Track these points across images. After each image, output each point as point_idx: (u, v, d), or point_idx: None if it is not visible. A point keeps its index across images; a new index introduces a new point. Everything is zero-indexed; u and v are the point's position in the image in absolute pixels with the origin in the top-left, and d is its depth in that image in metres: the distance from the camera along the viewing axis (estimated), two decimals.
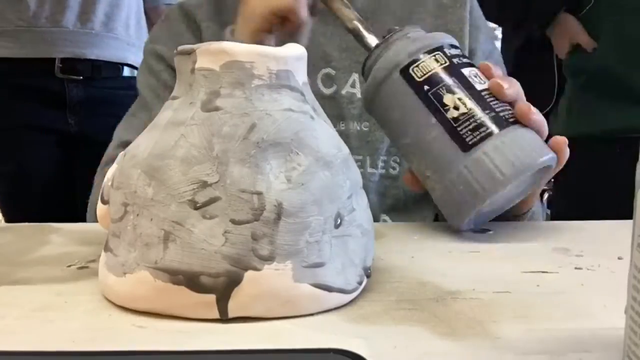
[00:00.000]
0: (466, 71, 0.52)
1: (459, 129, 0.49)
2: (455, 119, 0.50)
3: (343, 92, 0.70)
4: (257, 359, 0.30)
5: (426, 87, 0.51)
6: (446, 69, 0.52)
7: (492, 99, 0.51)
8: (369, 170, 0.69)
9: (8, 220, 1.28)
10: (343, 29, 0.71)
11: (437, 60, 0.52)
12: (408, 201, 0.70)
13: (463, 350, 0.30)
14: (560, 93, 1.23)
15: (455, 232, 0.54)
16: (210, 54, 0.37)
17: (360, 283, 0.37)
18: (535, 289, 0.39)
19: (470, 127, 0.49)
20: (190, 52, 0.38)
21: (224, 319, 0.34)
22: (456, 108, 0.50)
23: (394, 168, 0.70)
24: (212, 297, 0.33)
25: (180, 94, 0.39)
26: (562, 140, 0.52)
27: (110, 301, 0.37)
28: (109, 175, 0.40)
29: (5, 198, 1.28)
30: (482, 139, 0.49)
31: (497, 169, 0.48)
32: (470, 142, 0.49)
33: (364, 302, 0.37)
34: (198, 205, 0.34)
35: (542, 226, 0.57)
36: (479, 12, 0.78)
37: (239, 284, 0.33)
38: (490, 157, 0.48)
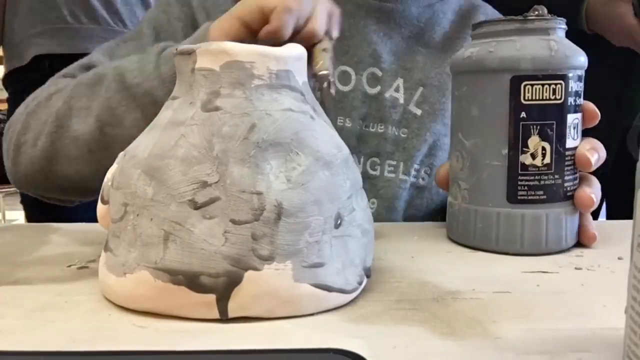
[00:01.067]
0: (571, 119, 0.46)
1: (520, 178, 0.46)
2: (524, 167, 0.46)
3: (387, 94, 0.69)
4: (257, 359, 0.30)
5: (523, 115, 0.45)
6: (557, 107, 0.46)
7: (570, 163, 0.47)
8: (401, 176, 0.68)
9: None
10: (397, 33, 0.70)
11: (555, 91, 0.45)
12: (427, 214, 0.70)
13: (463, 350, 0.30)
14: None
15: None
16: (211, 54, 0.37)
17: (360, 283, 0.37)
18: (535, 289, 0.39)
19: (531, 183, 0.46)
20: (190, 52, 0.38)
21: (224, 319, 0.34)
22: (533, 156, 0.46)
23: (423, 179, 0.69)
24: (212, 297, 0.33)
25: (180, 94, 0.39)
26: (593, 237, 0.49)
27: (110, 301, 0.37)
28: (109, 175, 0.40)
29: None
30: (532, 202, 0.46)
31: (521, 238, 0.47)
32: (519, 197, 0.46)
33: (364, 302, 0.37)
34: (198, 205, 0.34)
35: None
36: None
37: (239, 284, 0.33)
38: (524, 224, 0.47)
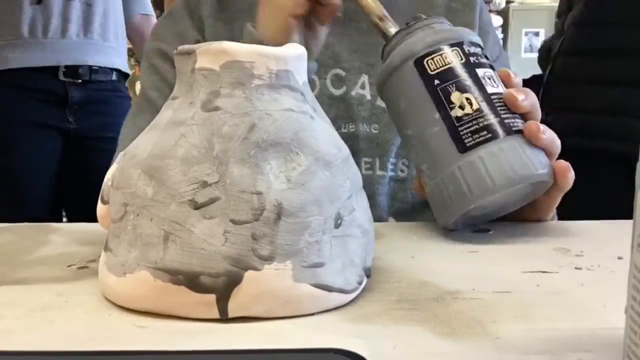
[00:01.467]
0: (481, 72, 0.51)
1: (460, 128, 0.49)
2: (459, 118, 0.49)
3: (353, 93, 0.70)
4: (257, 359, 0.30)
5: (436, 82, 0.50)
6: (461, 66, 0.51)
7: (501, 105, 0.50)
8: (378, 172, 0.69)
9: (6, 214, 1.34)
10: (353, 30, 0.70)
11: (454, 56, 0.51)
12: (415, 205, 0.70)
13: (463, 350, 0.30)
14: None
15: (455, 232, 0.54)
16: (210, 54, 0.37)
17: (360, 283, 0.37)
18: (535, 289, 0.39)
19: (472, 128, 0.49)
20: (190, 52, 0.38)
21: (223, 318, 0.34)
22: (461, 107, 0.49)
23: (402, 171, 0.70)
24: (212, 297, 0.33)
25: (180, 94, 0.39)
26: (565, 166, 0.51)
27: (110, 301, 0.37)
28: (109, 175, 0.40)
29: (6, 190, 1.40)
30: (481, 143, 0.48)
31: (489, 175, 0.48)
32: (468, 144, 0.49)
33: (364, 302, 0.37)
34: (198, 205, 0.34)
35: (542, 226, 0.57)
36: (487, 16, 0.77)
37: (239, 284, 0.33)
38: (485, 163, 0.48)
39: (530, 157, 0.49)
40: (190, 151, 0.35)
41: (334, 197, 0.36)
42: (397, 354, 0.30)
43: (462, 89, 0.50)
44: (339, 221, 0.36)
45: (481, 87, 0.50)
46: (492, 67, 0.53)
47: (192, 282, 0.33)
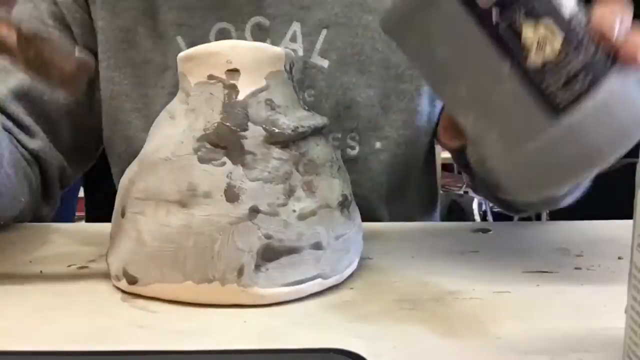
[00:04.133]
0: None
1: (543, 85, 0.34)
2: (539, 71, 0.33)
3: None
4: (257, 359, 0.30)
5: (496, 16, 0.33)
6: None
7: (585, 29, 0.34)
8: None
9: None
10: None
11: None
12: (374, 190, 0.58)
13: (463, 350, 0.30)
14: None
15: (456, 232, 0.54)
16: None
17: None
18: (535, 289, 0.39)
19: (562, 81, 0.34)
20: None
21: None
22: (539, 51, 0.33)
23: (352, 148, 0.56)
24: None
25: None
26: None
27: (110, 301, 0.37)
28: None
29: None
30: (579, 98, 0.33)
31: (602, 137, 0.34)
32: (561, 105, 0.34)
33: (364, 302, 0.37)
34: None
35: (542, 226, 0.57)
36: None
37: None
38: (595, 123, 0.34)
39: None
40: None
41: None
42: (397, 354, 0.30)
43: (536, 18, 0.33)
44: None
45: (557, 13, 0.34)
46: None
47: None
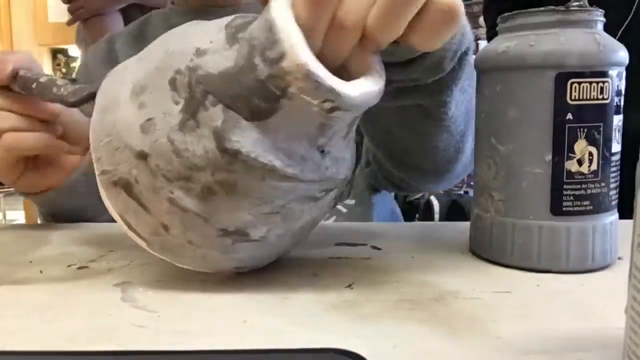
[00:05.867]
0: (616, 120, 0.41)
1: (565, 187, 0.41)
2: (570, 174, 0.41)
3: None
4: (257, 359, 0.30)
5: (569, 116, 0.40)
6: (602, 108, 0.40)
7: (615, 169, 0.42)
8: None
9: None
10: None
11: (601, 90, 0.40)
12: None
13: (463, 350, 0.30)
14: None
15: (455, 232, 0.54)
16: None
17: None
18: (535, 289, 0.39)
19: (577, 193, 0.41)
20: None
21: None
22: (580, 163, 0.40)
23: None
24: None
25: None
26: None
27: (110, 301, 0.37)
28: None
29: None
30: (578, 214, 0.41)
31: (567, 255, 0.42)
32: (564, 209, 0.41)
33: (364, 302, 0.37)
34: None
35: None
36: None
37: None
38: (569, 238, 0.41)
39: (612, 244, 0.43)
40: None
41: None
42: (397, 354, 0.30)
43: (591, 140, 0.40)
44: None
45: (608, 144, 0.41)
46: (621, 111, 0.42)
47: None
